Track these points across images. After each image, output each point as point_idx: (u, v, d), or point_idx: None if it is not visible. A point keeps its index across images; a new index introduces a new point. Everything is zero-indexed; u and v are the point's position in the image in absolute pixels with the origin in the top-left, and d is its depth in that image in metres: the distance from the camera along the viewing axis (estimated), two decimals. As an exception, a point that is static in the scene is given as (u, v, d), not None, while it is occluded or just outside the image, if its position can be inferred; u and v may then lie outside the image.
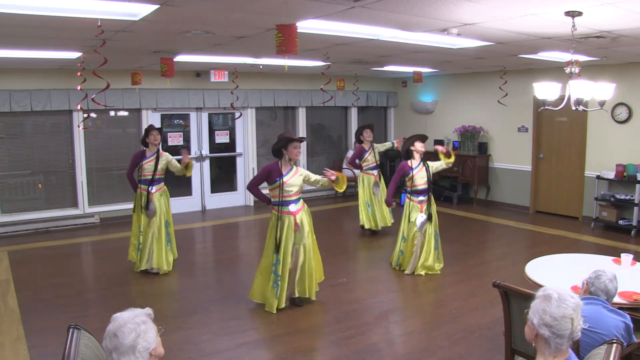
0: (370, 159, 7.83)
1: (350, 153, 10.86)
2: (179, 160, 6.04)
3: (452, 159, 5.99)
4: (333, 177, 4.84)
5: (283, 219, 4.84)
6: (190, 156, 6.07)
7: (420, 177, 5.90)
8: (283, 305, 4.91)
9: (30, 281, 5.85)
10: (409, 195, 6.03)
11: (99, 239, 7.88)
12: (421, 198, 5.93)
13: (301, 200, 4.99)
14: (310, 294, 5.04)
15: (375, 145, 7.98)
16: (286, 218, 4.84)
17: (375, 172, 7.86)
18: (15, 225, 8.02)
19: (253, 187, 5.08)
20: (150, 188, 5.96)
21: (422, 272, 5.94)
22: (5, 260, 6.61)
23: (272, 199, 4.93)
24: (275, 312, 4.87)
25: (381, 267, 6.44)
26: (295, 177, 4.89)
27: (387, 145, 8.27)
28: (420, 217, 5.86)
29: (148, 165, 5.97)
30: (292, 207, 4.86)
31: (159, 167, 5.99)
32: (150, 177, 5.96)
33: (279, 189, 4.82)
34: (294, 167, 4.93)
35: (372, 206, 7.80)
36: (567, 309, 2.02)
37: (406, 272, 6.00)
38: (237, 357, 4.08)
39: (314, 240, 5.07)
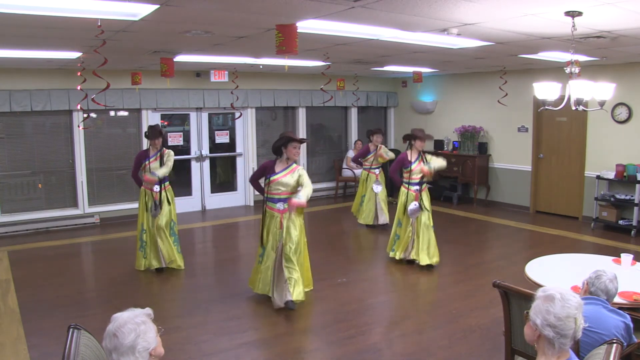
0: (371, 160, 8.26)
1: (350, 153, 10.87)
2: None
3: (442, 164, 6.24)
4: (293, 204, 4.69)
5: (269, 215, 4.92)
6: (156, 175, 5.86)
7: (417, 172, 6.17)
8: (266, 292, 5.02)
9: (30, 281, 5.85)
10: (405, 184, 6.23)
11: (99, 239, 7.88)
12: (417, 187, 6.20)
13: None
14: (297, 295, 4.86)
15: (382, 148, 8.26)
16: (272, 214, 4.90)
17: (377, 171, 8.28)
18: (15, 225, 8.02)
19: (253, 180, 5.19)
20: (154, 187, 5.90)
21: (424, 262, 6.08)
22: (5, 260, 6.61)
23: (264, 194, 5.01)
24: (254, 291, 5.14)
25: (381, 266, 6.44)
26: (288, 177, 4.86)
27: (391, 156, 8.33)
28: (412, 204, 6.10)
29: (154, 164, 5.92)
30: (280, 206, 4.88)
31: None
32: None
33: (268, 185, 4.92)
34: (293, 166, 4.92)
35: (365, 202, 8.25)
36: (570, 309, 2.03)
37: (397, 257, 6.30)
38: (237, 357, 4.08)
39: (304, 243, 5.07)
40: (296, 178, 4.88)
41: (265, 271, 5.01)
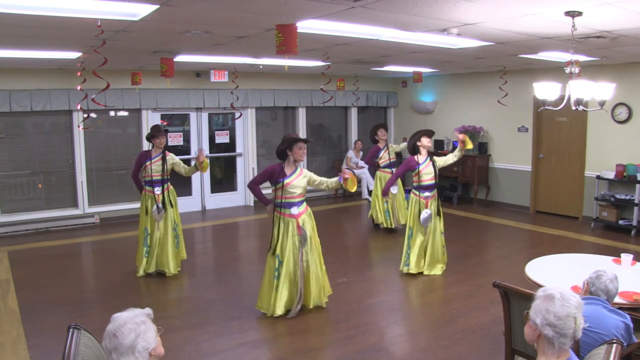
0: (386, 156, 8.01)
1: (350, 153, 10.88)
2: (186, 161, 5.89)
3: (470, 146, 5.84)
4: (347, 176, 4.64)
5: (284, 221, 4.74)
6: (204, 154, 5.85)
7: (426, 173, 5.88)
8: (281, 312, 4.73)
9: (30, 281, 5.85)
10: (414, 191, 5.96)
11: (99, 239, 7.88)
12: (427, 194, 5.90)
13: (304, 203, 4.85)
14: (320, 301, 4.94)
15: (390, 145, 8.12)
16: (288, 220, 4.74)
17: (392, 169, 7.90)
18: (15, 225, 8.03)
19: (254, 185, 4.96)
20: (155, 189, 5.86)
21: (428, 273, 5.95)
22: (5, 260, 6.61)
23: (275, 200, 4.83)
24: (270, 315, 4.73)
25: (381, 267, 6.44)
26: (299, 179, 4.77)
27: (403, 146, 8.07)
28: (424, 213, 5.83)
29: (155, 165, 5.85)
30: (294, 210, 4.73)
31: (167, 167, 5.90)
32: (160, 177, 5.87)
33: (281, 190, 4.73)
34: (298, 169, 4.84)
35: (389, 203, 7.90)
36: (570, 308, 2.03)
37: (412, 271, 5.91)
38: (237, 357, 4.08)
39: (318, 245, 4.92)
40: (306, 180, 4.83)
41: (284, 287, 4.74)
